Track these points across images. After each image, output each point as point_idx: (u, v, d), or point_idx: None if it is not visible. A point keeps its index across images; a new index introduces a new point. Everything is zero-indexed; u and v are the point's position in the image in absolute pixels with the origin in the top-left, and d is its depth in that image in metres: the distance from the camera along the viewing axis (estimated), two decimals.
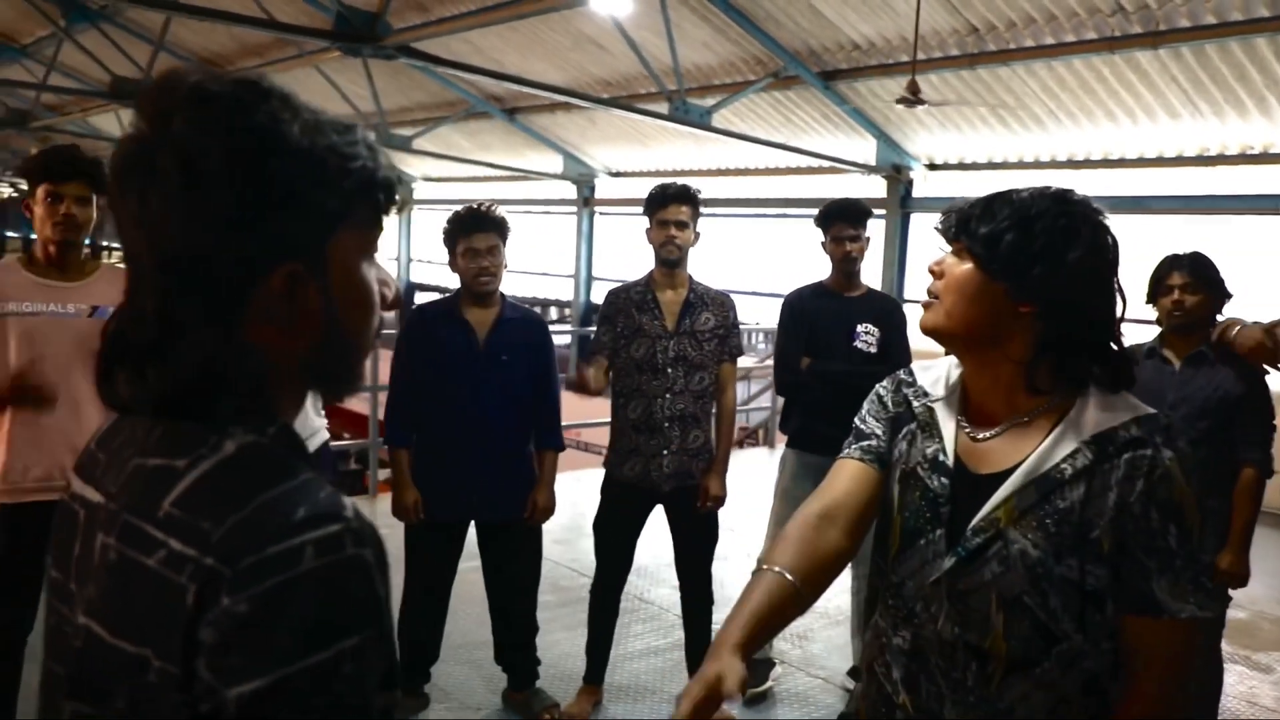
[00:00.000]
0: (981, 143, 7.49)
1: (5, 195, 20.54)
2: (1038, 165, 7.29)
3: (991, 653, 1.16)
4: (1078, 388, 1.18)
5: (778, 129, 8.24)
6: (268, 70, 10.08)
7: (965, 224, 1.19)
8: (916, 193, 8.21)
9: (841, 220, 3.22)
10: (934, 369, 1.33)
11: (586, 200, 11.28)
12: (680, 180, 3.09)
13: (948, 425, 1.25)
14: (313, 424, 2.89)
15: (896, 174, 8.06)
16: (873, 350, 3.21)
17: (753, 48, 7.19)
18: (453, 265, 2.95)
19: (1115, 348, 1.19)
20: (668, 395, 2.95)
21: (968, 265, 1.18)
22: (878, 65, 6.83)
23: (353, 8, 5.13)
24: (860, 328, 3.23)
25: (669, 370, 2.95)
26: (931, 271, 1.23)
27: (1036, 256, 1.13)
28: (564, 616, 3.77)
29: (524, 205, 11.87)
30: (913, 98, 5.55)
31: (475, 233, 2.89)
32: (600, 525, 3.09)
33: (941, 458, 1.23)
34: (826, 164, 7.90)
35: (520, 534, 3.00)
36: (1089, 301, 1.16)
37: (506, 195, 11.72)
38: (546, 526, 3.05)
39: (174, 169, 0.66)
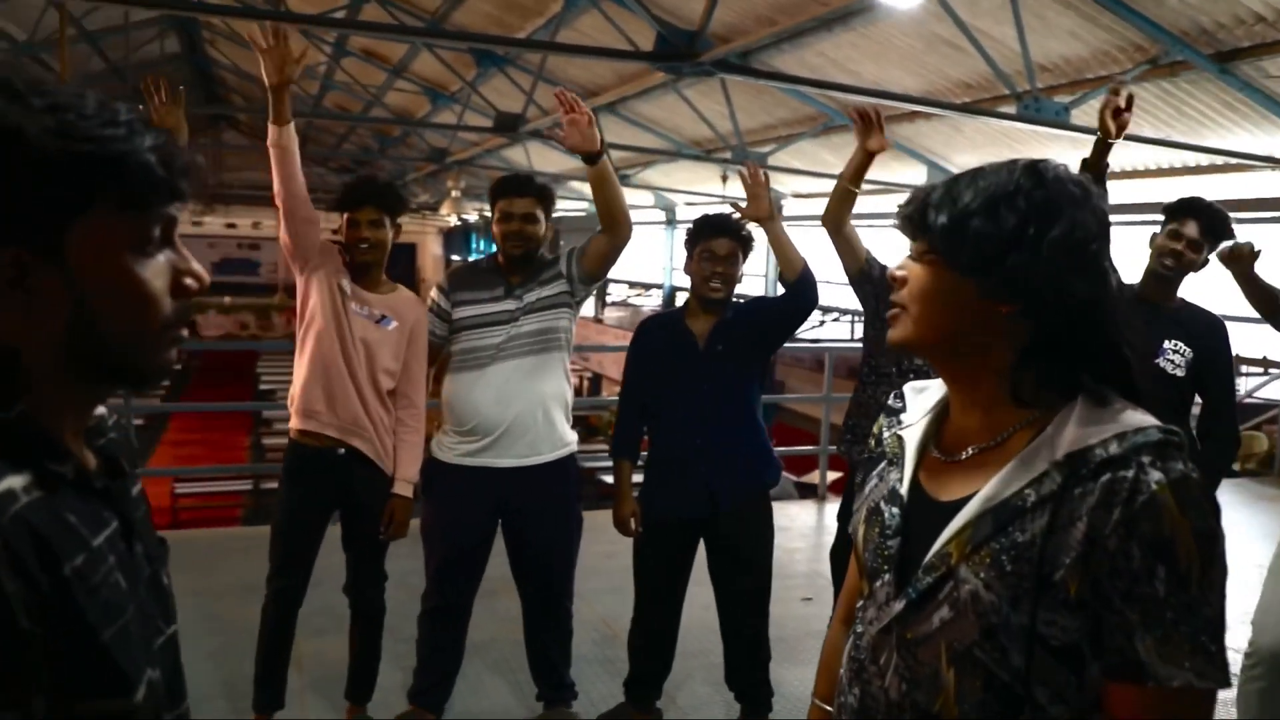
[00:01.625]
0: None
1: (472, 221, 23.84)
2: None
3: (942, 718, 0.98)
4: (1066, 398, 0.99)
5: (1169, 123, 7.21)
6: (639, 98, 10.79)
7: (923, 214, 1.02)
8: None
9: (1186, 215, 2.86)
10: (929, 389, 1.14)
11: None
12: None
13: (911, 448, 1.10)
14: (565, 436, 3.01)
15: None
16: (1179, 374, 2.73)
17: (1128, 32, 6.35)
18: (687, 268, 2.94)
19: (1114, 347, 0.98)
20: None
21: (930, 263, 1.02)
22: None
23: (674, 27, 5.28)
24: (1167, 344, 2.77)
25: None
26: (892, 279, 1.07)
27: (1008, 242, 0.96)
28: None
29: (868, 220, 11.47)
30: None
31: (717, 238, 2.87)
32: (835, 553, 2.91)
33: (897, 486, 1.09)
34: (1224, 160, 6.75)
35: (754, 527, 2.94)
36: (1075, 291, 0.96)
37: (861, 209, 11.37)
38: None
39: None
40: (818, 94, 9.04)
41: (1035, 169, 1.00)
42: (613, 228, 2.90)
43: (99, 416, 0.89)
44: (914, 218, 1.04)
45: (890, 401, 1.20)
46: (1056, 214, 0.96)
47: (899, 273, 1.06)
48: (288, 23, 10.99)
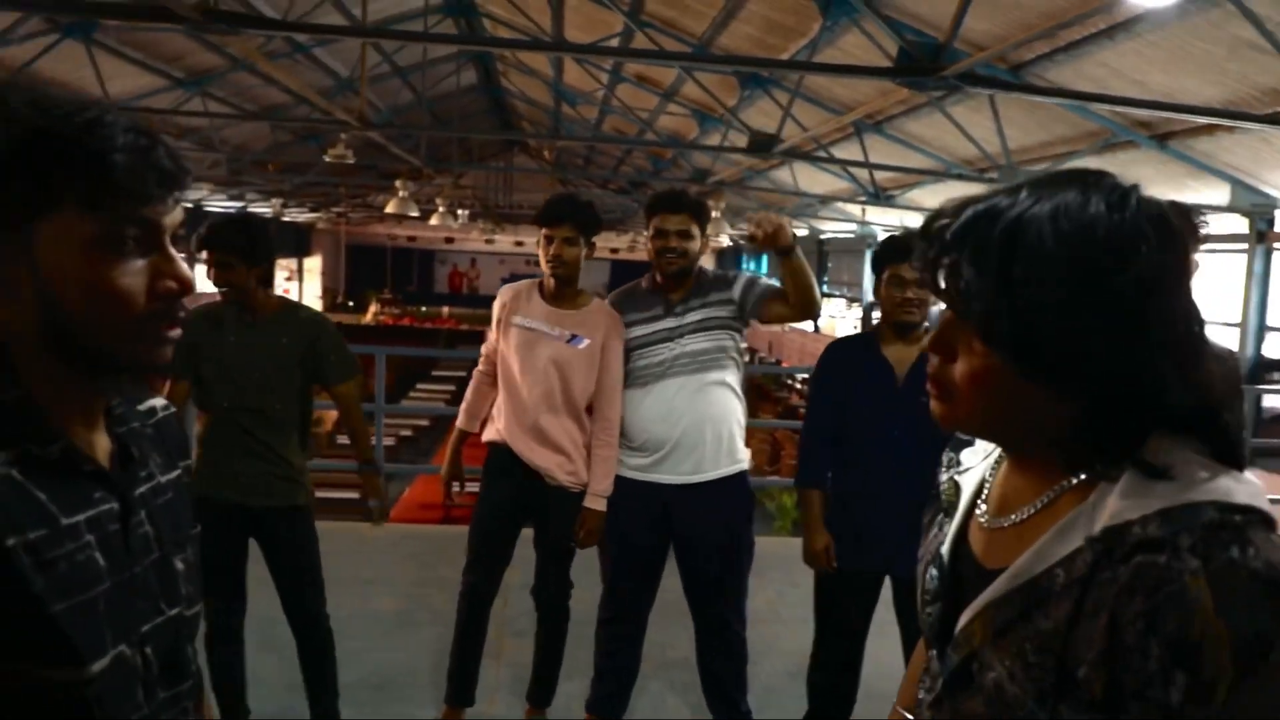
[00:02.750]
0: None
1: (725, 246, 24.18)
2: None
3: None
4: (1127, 461, 0.81)
5: None
6: (905, 116, 10.42)
7: (934, 261, 0.85)
8: None
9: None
10: None
11: (1261, 235, 9.41)
12: None
13: (964, 498, 0.99)
14: (735, 454, 2.99)
15: None
16: None
17: None
18: (876, 293, 2.81)
19: (1203, 406, 0.80)
20: None
21: (961, 332, 0.85)
22: None
23: (918, 40, 5.06)
24: None
25: None
26: (933, 349, 0.89)
27: (1052, 311, 0.78)
28: None
29: None
30: None
31: (908, 260, 2.72)
32: None
33: (943, 545, 0.98)
34: None
35: None
36: (1140, 370, 0.79)
37: None
38: None
39: None
40: (1102, 109, 8.32)
41: (1096, 183, 0.80)
42: (801, 308, 2.90)
43: (126, 406, 0.96)
44: (930, 274, 0.86)
45: (959, 434, 1.06)
46: (1131, 254, 0.78)
47: (937, 343, 0.89)
48: (566, 52, 11.60)
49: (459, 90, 14.93)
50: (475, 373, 3.23)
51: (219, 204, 19.60)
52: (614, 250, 26.13)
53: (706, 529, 2.97)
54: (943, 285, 0.85)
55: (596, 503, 2.97)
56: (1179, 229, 0.80)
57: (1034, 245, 0.78)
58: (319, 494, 8.91)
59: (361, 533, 5.74)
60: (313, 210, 25.25)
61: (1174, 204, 0.81)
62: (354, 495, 7.63)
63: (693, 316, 2.92)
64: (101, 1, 5.18)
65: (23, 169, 0.78)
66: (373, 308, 28.02)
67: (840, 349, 2.98)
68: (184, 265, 0.87)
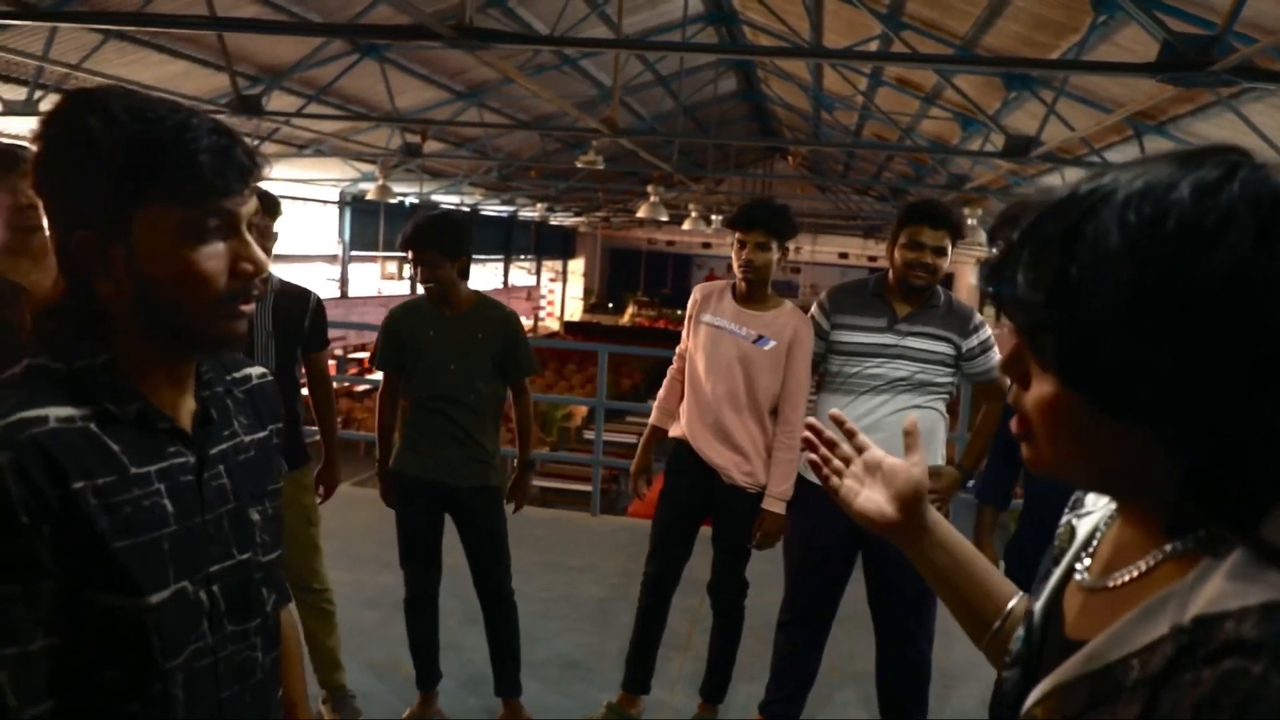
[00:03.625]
0: None
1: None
2: None
3: None
4: (1239, 530, 0.65)
5: None
6: (1192, 116, 9.45)
7: (996, 273, 0.70)
8: None
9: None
10: None
11: None
12: None
13: (1074, 548, 0.84)
14: (938, 457, 2.89)
15: None
16: None
17: None
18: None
19: None
20: None
21: (1033, 361, 0.71)
22: None
23: (1188, 32, 4.59)
24: None
25: None
26: (1004, 370, 0.77)
27: (1107, 321, 0.62)
28: None
29: None
30: None
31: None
32: None
33: (1037, 603, 0.85)
34: None
35: None
36: (1258, 414, 0.61)
37: None
38: None
39: None
40: None
41: (1188, 160, 0.63)
42: (988, 435, 3.04)
43: (215, 373, 1.09)
44: (997, 295, 0.71)
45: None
46: (1212, 244, 0.60)
47: (1009, 362, 0.76)
48: (823, 58, 11.49)
49: (716, 97, 15.15)
50: (669, 370, 3.31)
51: (492, 209, 21.05)
52: (871, 259, 25.54)
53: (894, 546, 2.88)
54: (1003, 295, 0.70)
55: (775, 505, 2.95)
56: None
57: (1094, 241, 0.63)
58: (555, 485, 9.36)
59: (581, 523, 5.99)
60: (576, 215, 26.53)
61: None
62: (586, 488, 7.95)
63: (914, 342, 2.84)
64: (371, 25, 5.73)
65: (122, 167, 0.90)
66: (630, 309, 29.02)
67: None
68: (258, 249, 0.99)
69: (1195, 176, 0.62)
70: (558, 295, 31.06)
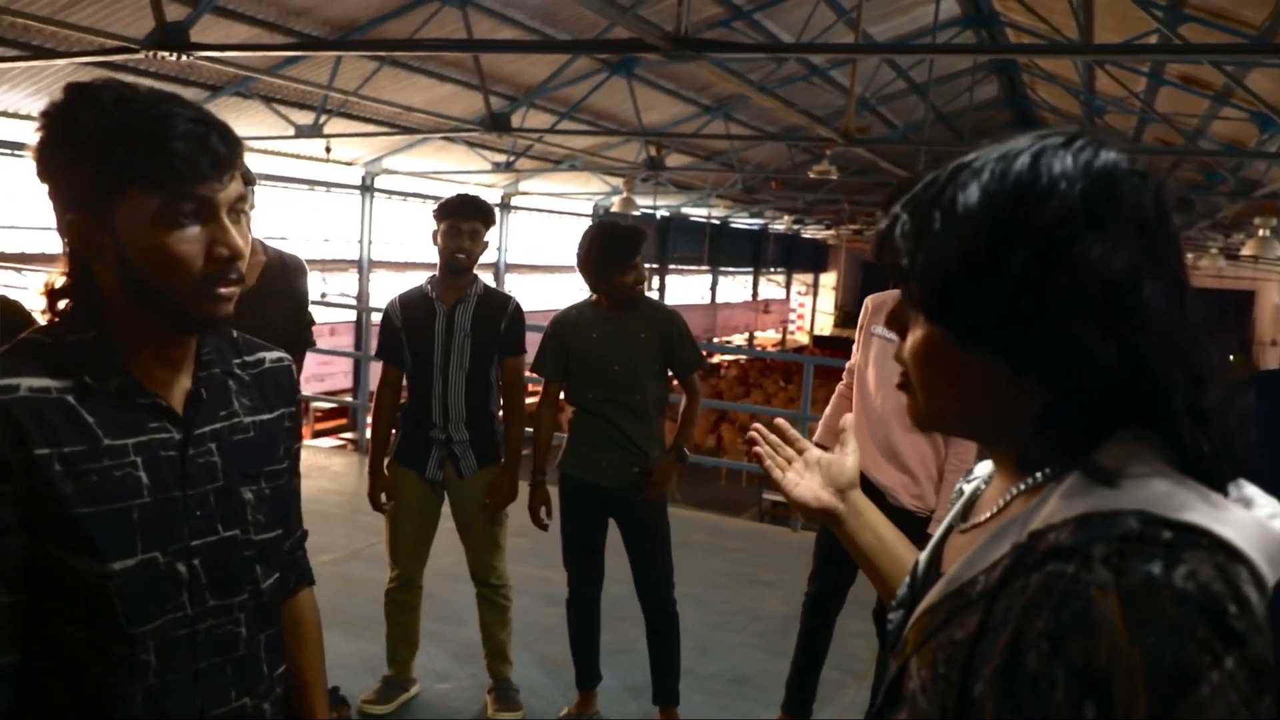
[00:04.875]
0: None
1: None
2: None
3: None
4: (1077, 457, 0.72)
5: None
6: None
7: (881, 238, 0.81)
8: None
9: None
10: None
11: None
12: None
13: (953, 511, 0.96)
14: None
15: None
16: None
17: None
18: None
19: (1158, 396, 0.69)
20: None
21: (913, 316, 0.80)
22: None
23: None
24: None
25: None
26: (888, 323, 0.86)
27: (960, 259, 0.72)
28: None
29: None
30: None
31: None
32: None
33: (922, 555, 0.94)
34: None
35: None
36: (1097, 352, 0.69)
37: None
38: None
39: None
40: None
41: (1036, 165, 0.71)
42: None
43: (216, 354, 1.13)
44: (880, 254, 0.81)
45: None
46: (1024, 218, 0.70)
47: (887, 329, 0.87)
48: (1093, 55, 10.67)
49: (974, 104, 14.39)
50: (838, 387, 3.16)
51: (742, 221, 21.14)
52: None
53: None
54: (893, 273, 0.79)
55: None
56: (1139, 191, 0.71)
57: (954, 199, 0.73)
58: (780, 498, 9.20)
59: (781, 537, 5.87)
60: (826, 227, 26.10)
61: (1145, 172, 0.72)
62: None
63: None
64: (591, 40, 5.91)
65: (105, 155, 0.96)
66: None
67: None
68: (235, 235, 1.01)
69: (1039, 146, 0.72)
70: (807, 309, 30.69)
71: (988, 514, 0.81)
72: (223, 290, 1.02)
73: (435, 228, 3.10)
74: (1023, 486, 0.77)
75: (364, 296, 14.11)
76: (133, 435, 1.03)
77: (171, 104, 0.98)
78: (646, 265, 3.28)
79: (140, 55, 6.17)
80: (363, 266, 14.39)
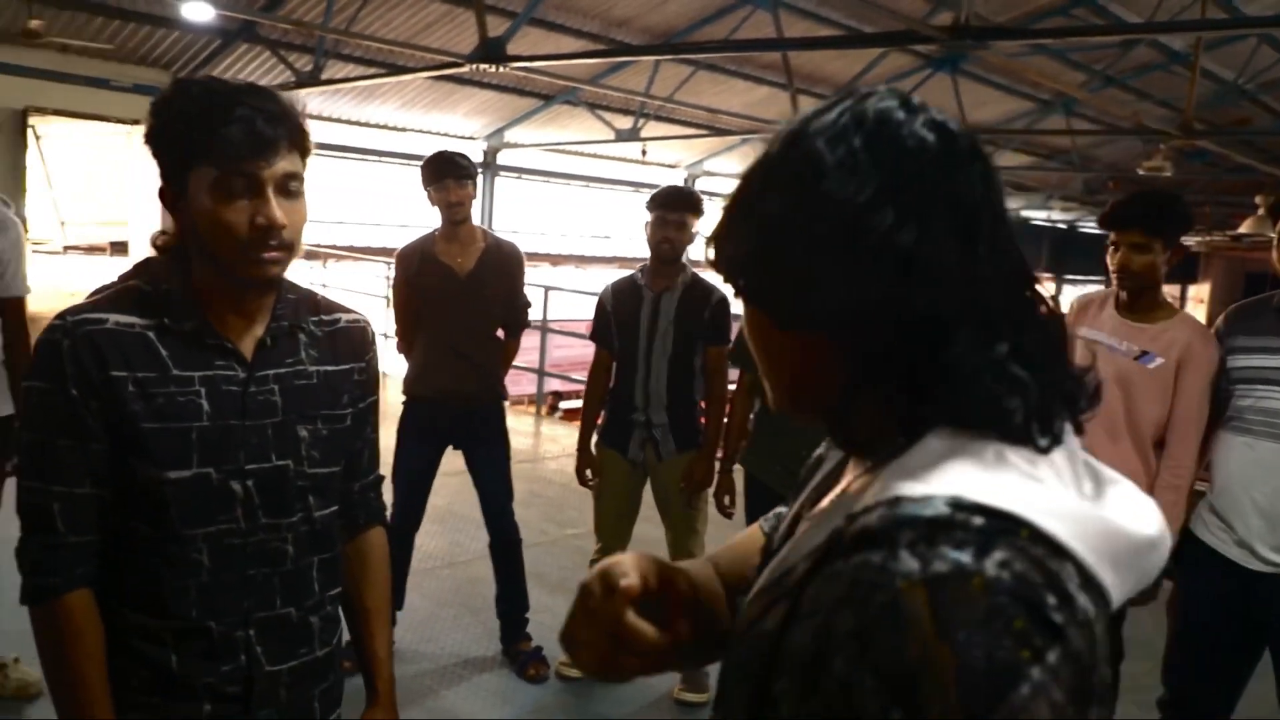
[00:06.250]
0: None
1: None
2: None
3: None
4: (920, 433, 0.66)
5: None
6: None
7: (711, 239, 0.78)
8: None
9: None
10: None
11: None
12: None
13: (812, 483, 0.88)
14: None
15: None
16: None
17: None
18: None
19: (959, 371, 0.63)
20: None
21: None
22: None
23: None
24: None
25: None
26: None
27: (760, 229, 0.69)
28: None
29: None
30: None
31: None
32: None
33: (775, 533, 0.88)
34: None
35: None
36: (864, 301, 0.64)
37: None
38: None
39: None
40: None
41: (806, 121, 0.68)
42: None
43: (289, 309, 1.28)
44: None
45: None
46: (811, 181, 0.65)
47: None
48: None
49: None
50: None
51: (1090, 226, 19.35)
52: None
53: None
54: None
55: None
56: (911, 136, 0.65)
57: (760, 165, 0.70)
58: None
59: None
60: (1197, 233, 23.09)
61: (939, 122, 0.66)
62: None
63: None
64: (873, 33, 5.76)
65: (182, 135, 1.14)
66: None
67: None
68: (274, 207, 1.15)
69: (847, 109, 0.67)
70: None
71: (829, 500, 0.75)
72: (264, 255, 1.16)
73: (647, 218, 3.22)
74: (862, 469, 0.70)
75: None
76: (199, 369, 1.19)
77: (241, 94, 1.15)
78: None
79: (465, 69, 6.90)
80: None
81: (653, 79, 9.82)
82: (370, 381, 1.40)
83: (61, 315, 1.18)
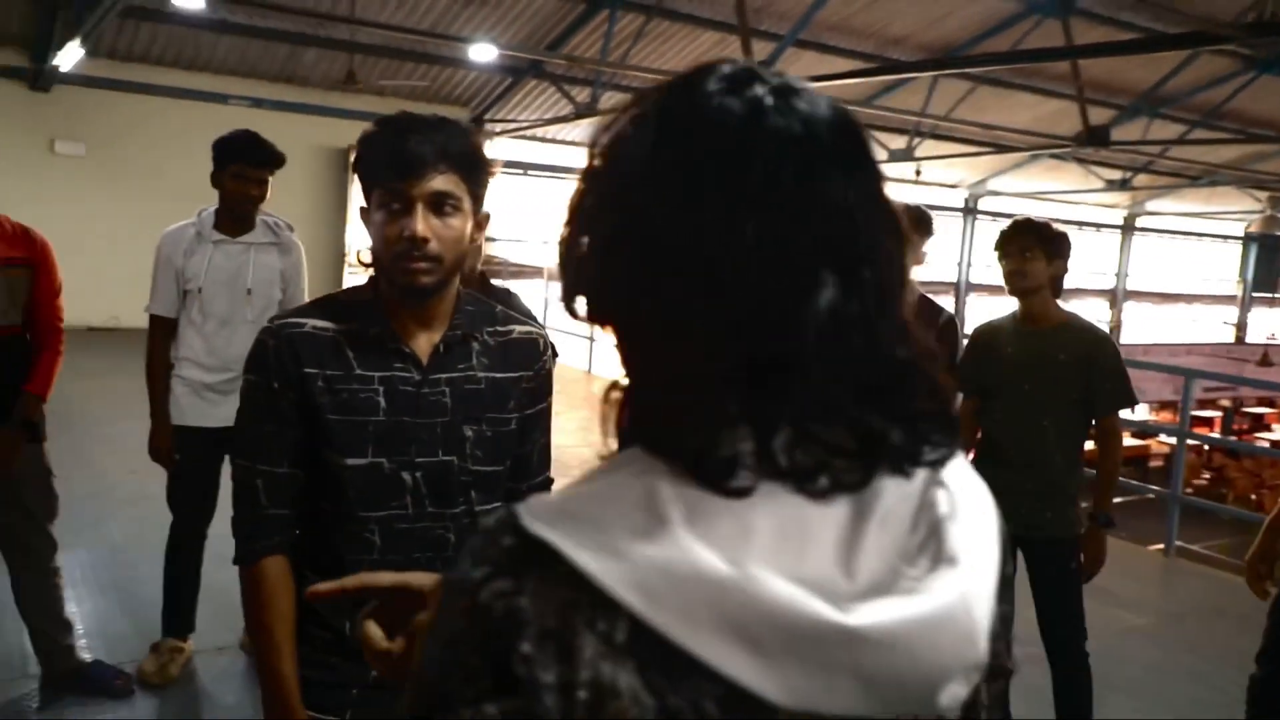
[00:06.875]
0: None
1: None
2: None
3: None
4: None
5: None
6: None
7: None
8: None
9: None
10: None
11: None
12: None
13: None
14: None
15: None
16: None
17: None
18: None
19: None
20: None
21: None
22: None
23: None
24: None
25: None
26: None
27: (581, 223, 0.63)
28: None
29: None
30: None
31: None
32: None
33: None
34: None
35: None
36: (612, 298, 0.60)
37: None
38: None
39: None
40: None
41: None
42: None
43: (467, 320, 1.38)
44: None
45: None
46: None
47: None
48: None
49: None
50: None
51: None
52: None
53: None
54: None
55: None
56: (714, 109, 0.55)
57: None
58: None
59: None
60: None
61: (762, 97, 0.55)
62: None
63: None
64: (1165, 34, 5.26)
65: (367, 161, 1.31)
66: None
67: None
68: (419, 222, 1.26)
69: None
70: None
71: None
72: (411, 265, 1.28)
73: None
74: None
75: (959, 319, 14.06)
76: (380, 370, 1.33)
77: (412, 124, 1.29)
78: None
79: None
80: (960, 289, 14.31)
81: (930, 96, 9.51)
82: (540, 389, 1.48)
83: (272, 319, 1.35)
